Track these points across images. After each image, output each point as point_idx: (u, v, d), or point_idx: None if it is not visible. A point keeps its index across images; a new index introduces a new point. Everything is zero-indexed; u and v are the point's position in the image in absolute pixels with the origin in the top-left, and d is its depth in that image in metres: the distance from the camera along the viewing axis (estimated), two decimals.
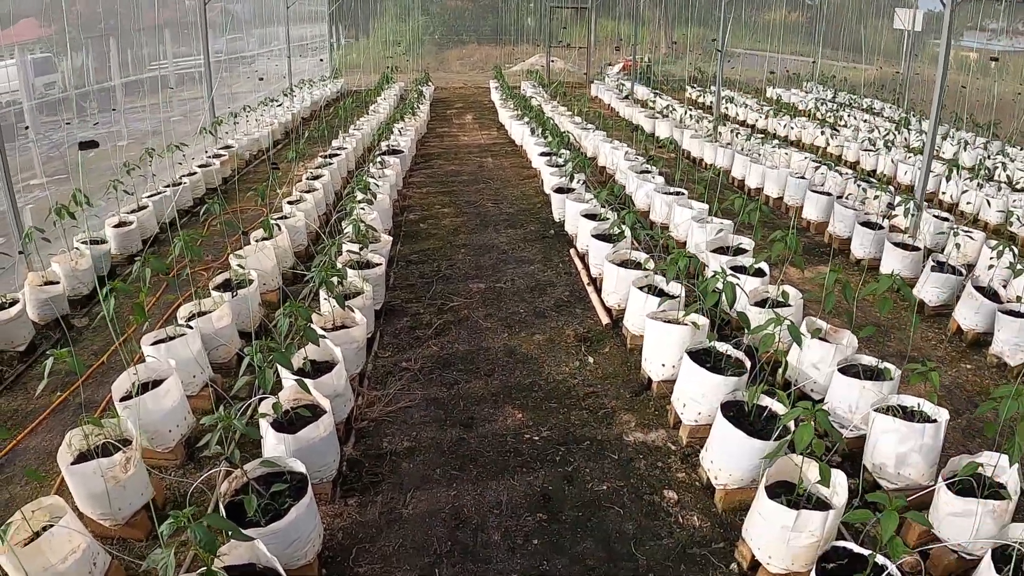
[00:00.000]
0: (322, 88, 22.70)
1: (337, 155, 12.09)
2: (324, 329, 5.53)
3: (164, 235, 9.67)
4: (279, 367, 4.52)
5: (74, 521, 3.66)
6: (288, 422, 4.33)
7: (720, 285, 4.82)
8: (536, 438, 5.08)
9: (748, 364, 4.95)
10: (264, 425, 4.20)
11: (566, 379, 5.88)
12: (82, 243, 8.11)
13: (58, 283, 7.23)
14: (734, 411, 4.47)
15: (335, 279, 5.45)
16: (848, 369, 5.07)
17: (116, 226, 8.81)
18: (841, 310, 6.93)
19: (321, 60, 25.57)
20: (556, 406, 5.48)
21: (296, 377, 4.25)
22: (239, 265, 6.59)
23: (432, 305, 7.32)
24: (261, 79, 17.75)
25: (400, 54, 28.48)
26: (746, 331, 4.85)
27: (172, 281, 5.22)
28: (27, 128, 9.78)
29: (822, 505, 3.74)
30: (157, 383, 4.80)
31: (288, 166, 11.58)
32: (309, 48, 26.30)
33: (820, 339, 5.33)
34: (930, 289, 7.37)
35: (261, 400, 4.18)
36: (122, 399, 4.73)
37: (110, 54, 12.60)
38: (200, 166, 11.82)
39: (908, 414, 4.50)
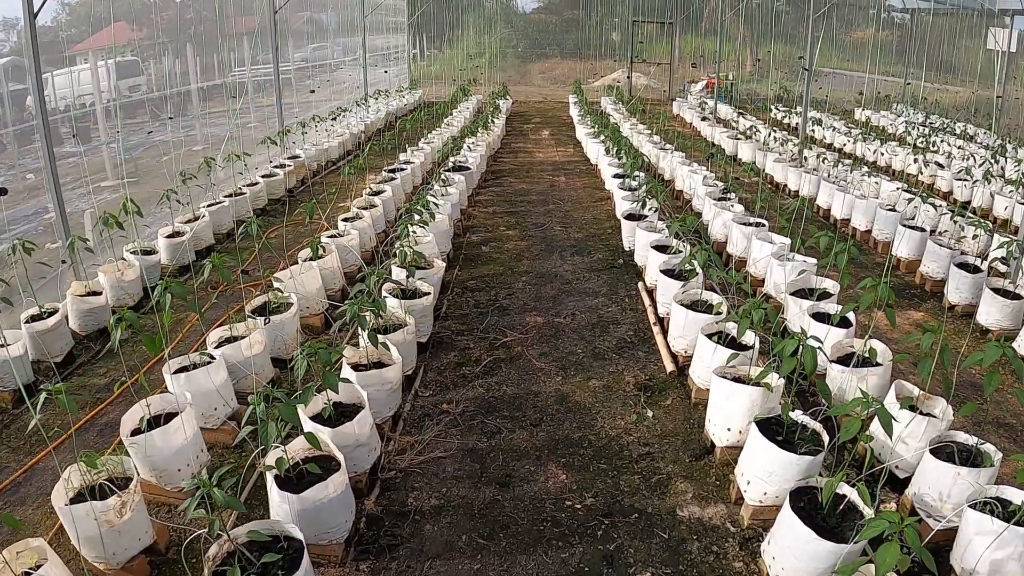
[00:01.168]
0: (398, 99, 22.49)
1: (402, 170, 11.72)
2: (358, 366, 5.09)
3: (220, 246, 9.43)
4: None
5: (56, 568, 3.33)
6: (297, 476, 3.87)
7: (798, 348, 4.19)
8: (578, 506, 4.51)
9: (825, 437, 4.31)
10: (269, 480, 3.76)
11: (620, 435, 5.28)
12: (131, 253, 7.87)
13: (101, 294, 7.00)
14: (805, 501, 3.83)
15: (369, 314, 4.99)
16: (941, 450, 4.37)
17: (169, 236, 8.56)
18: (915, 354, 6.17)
19: (386, 72, 25.30)
20: (605, 467, 4.90)
21: (308, 431, 3.78)
22: (278, 288, 6.20)
23: (484, 339, 6.80)
24: (313, 91, 17.49)
25: (475, 67, 28.15)
26: (825, 401, 4.23)
27: (193, 306, 4.80)
28: (70, 137, 9.62)
29: None
30: (172, 416, 4.43)
31: (347, 181, 11.22)
32: (391, 58, 26.23)
33: (911, 409, 4.67)
34: None
35: (270, 450, 3.75)
36: (132, 432, 4.35)
37: (196, 58, 12.60)
38: (263, 176, 11.58)
39: (1008, 510, 3.80)
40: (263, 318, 5.79)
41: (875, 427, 4.62)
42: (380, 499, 4.51)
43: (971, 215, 9.76)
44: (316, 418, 4.38)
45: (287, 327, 6.06)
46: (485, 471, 4.84)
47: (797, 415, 4.42)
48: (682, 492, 4.68)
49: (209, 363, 4.99)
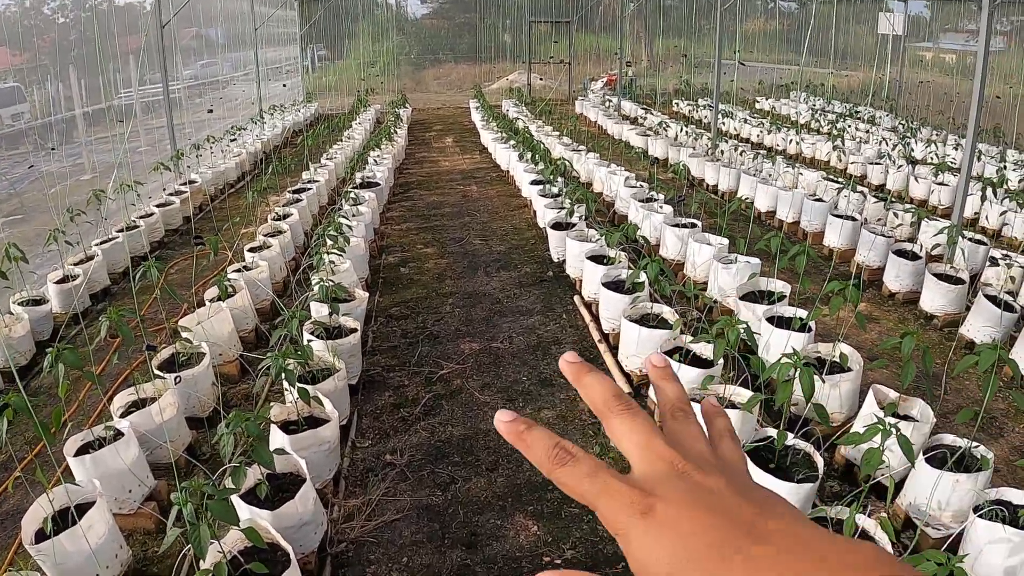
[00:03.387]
0: (294, 113, 21.64)
1: (307, 189, 11.04)
2: (288, 425, 4.50)
3: (116, 287, 8.64)
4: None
5: None
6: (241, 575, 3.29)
7: (793, 373, 3.81)
8: (558, 561, 4.01)
9: (818, 459, 3.96)
10: None
11: None
12: (19, 304, 7.06)
13: None
14: None
15: (295, 365, 4.42)
16: (933, 456, 4.11)
17: (59, 281, 7.76)
18: (889, 358, 5.92)
19: (284, 86, 24.39)
20: (578, 511, 4.42)
21: (248, 525, 3.19)
22: (186, 339, 5.53)
23: (418, 374, 6.24)
24: (211, 111, 16.61)
25: (375, 75, 27.45)
26: (821, 420, 3.87)
27: (91, 376, 4.15)
28: None
29: None
30: (82, 508, 3.77)
31: (250, 204, 10.54)
32: (283, 71, 25.34)
33: (894, 416, 4.38)
34: (981, 328, 6.45)
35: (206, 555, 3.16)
36: (37, 537, 3.68)
37: (80, 81, 11.78)
38: (158, 205, 10.75)
39: (1013, 513, 3.58)
40: (173, 375, 5.13)
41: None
42: None
43: (892, 200, 9.72)
44: (249, 496, 3.79)
45: (201, 382, 5.40)
46: (447, 531, 4.31)
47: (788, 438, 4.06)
48: None
49: (117, 438, 4.33)
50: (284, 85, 24.31)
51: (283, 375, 4.26)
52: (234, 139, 16.22)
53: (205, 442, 5.23)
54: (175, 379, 5.03)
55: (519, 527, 4.32)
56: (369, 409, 5.71)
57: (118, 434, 4.36)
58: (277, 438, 4.32)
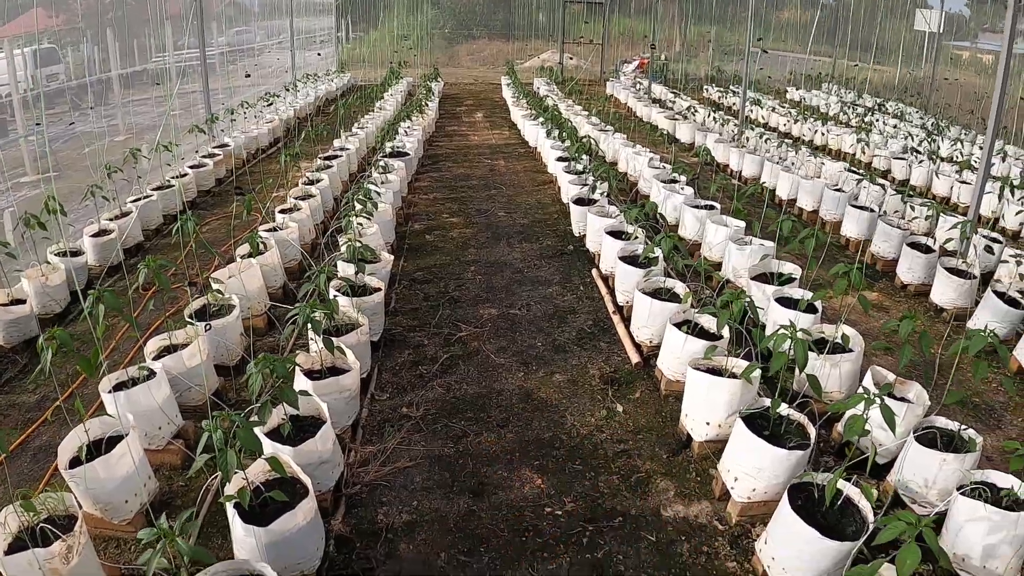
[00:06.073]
0: (327, 83, 21.87)
1: (338, 156, 11.28)
2: (311, 373, 4.74)
3: (150, 243, 8.93)
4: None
5: None
6: (261, 504, 3.54)
7: (788, 345, 3.99)
8: (559, 512, 4.25)
9: (811, 430, 4.14)
10: (231, 512, 3.42)
11: (592, 433, 5.05)
12: (56, 255, 7.35)
13: (25, 302, 6.50)
14: (803, 498, 3.66)
15: (321, 316, 4.65)
16: (923, 436, 4.27)
17: (95, 235, 8.04)
18: (891, 342, 6.08)
19: (319, 55, 24.62)
20: (581, 468, 4.66)
21: (271, 455, 3.44)
22: (217, 290, 5.79)
23: (438, 335, 6.49)
24: (248, 75, 16.87)
25: (408, 48, 27.62)
26: (815, 392, 4.05)
27: (129, 318, 4.39)
28: None
29: None
30: (114, 440, 4.03)
31: (281, 169, 10.79)
32: (316, 41, 25.56)
33: (890, 396, 4.55)
34: (988, 323, 6.54)
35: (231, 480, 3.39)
36: (71, 463, 3.94)
37: (116, 44, 12.05)
38: (192, 167, 11.01)
39: (996, 494, 3.75)
40: (204, 324, 5.38)
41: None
42: (347, 518, 4.19)
43: (912, 194, 9.80)
44: (273, 435, 4.05)
45: (230, 331, 5.66)
46: (456, 479, 4.55)
47: (782, 408, 4.24)
48: (664, 491, 4.47)
49: (150, 378, 4.59)
50: (319, 55, 24.53)
51: (310, 324, 4.49)
52: (269, 104, 16.49)
53: (232, 388, 5.49)
54: (205, 327, 5.29)
55: (524, 479, 4.55)
56: (389, 365, 5.96)
57: (151, 374, 4.63)
58: (301, 382, 4.56)
